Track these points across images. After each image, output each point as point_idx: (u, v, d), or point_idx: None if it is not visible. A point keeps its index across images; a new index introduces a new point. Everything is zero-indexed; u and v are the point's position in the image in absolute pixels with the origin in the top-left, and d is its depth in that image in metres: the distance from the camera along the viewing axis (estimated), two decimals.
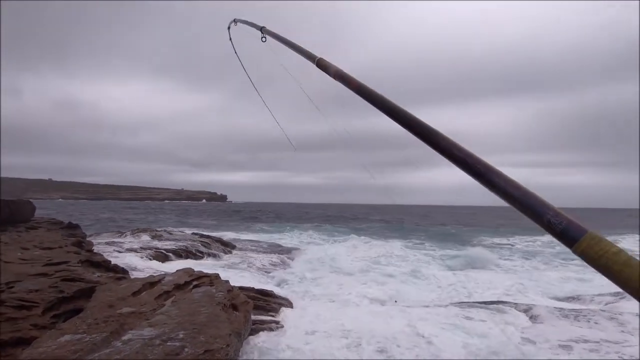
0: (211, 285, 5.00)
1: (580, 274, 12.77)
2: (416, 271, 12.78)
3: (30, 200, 11.37)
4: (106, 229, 23.11)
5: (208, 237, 17.70)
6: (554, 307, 7.51)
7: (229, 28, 3.15)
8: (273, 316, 6.08)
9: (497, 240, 24.39)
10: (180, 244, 14.62)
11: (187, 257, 13.18)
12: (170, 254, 13.00)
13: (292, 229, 27.14)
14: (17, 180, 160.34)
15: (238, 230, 25.13)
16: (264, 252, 16.40)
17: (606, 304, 8.33)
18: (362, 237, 22.65)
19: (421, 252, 18.19)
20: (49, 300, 3.68)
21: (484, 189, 0.73)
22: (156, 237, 16.48)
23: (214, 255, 14.99)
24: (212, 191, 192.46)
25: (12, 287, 3.89)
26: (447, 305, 7.92)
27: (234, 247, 17.19)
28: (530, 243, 22.16)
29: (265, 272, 12.31)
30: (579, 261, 0.61)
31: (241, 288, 6.44)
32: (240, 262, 13.74)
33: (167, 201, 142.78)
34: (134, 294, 4.07)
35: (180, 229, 23.04)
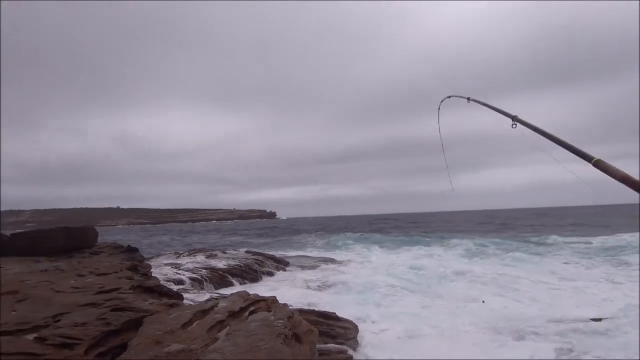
0: (269, 311, 4.39)
1: None
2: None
3: (95, 227, 11.82)
4: (165, 250, 23.92)
5: (261, 254, 17.47)
6: None
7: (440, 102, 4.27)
8: (340, 343, 5.32)
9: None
10: (235, 262, 14.45)
11: (241, 276, 12.90)
12: (226, 274, 12.80)
13: (342, 242, 26.30)
14: (88, 209, 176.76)
15: (289, 246, 24.82)
16: (318, 268, 15.73)
17: None
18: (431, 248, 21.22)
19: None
20: (93, 335, 3.26)
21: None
22: (211, 256, 16.52)
23: (268, 273, 14.62)
24: (262, 209, 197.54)
25: (58, 321, 3.56)
26: None
27: (287, 263, 16.75)
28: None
29: (322, 289, 11.61)
30: None
31: (301, 311, 5.79)
32: (295, 280, 13.19)
33: (221, 221, 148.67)
34: (184, 325, 3.56)
35: (234, 247, 23.21)
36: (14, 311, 3.72)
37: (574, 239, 23.20)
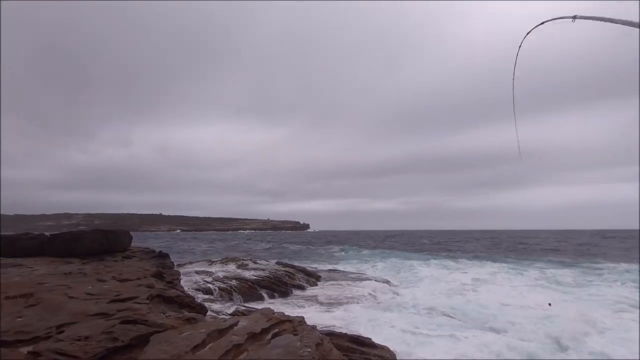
0: (295, 334, 3.80)
1: None
2: None
3: (138, 231, 11.96)
4: (199, 257, 24.12)
5: (292, 266, 16.97)
6: None
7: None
8: None
9: None
10: (265, 274, 14.05)
11: (271, 289, 12.43)
12: (255, 286, 12.39)
13: (376, 257, 25.20)
14: (134, 215, 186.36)
15: (321, 259, 24.14)
16: (350, 284, 14.92)
17: None
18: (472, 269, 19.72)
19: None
20: (94, 353, 2.84)
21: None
22: (242, 266, 16.26)
23: (299, 287, 14.05)
24: (295, 220, 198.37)
25: (61, 332, 3.19)
26: None
27: (318, 277, 16.10)
28: None
29: (354, 308, 10.82)
30: None
31: (331, 335, 5.15)
32: (326, 296, 12.50)
33: (255, 231, 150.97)
34: (196, 348, 3.07)
35: (266, 258, 22.94)
36: (20, 317, 3.42)
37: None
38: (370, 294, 13.02)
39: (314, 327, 4.16)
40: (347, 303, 11.40)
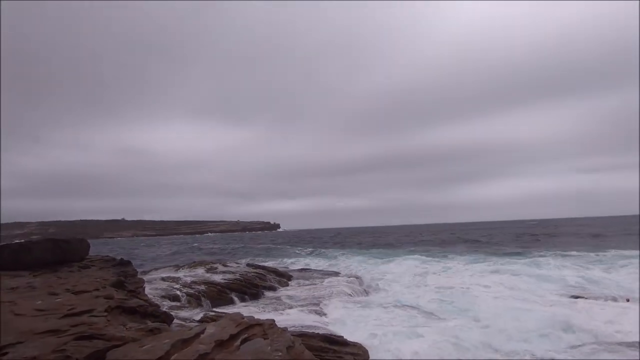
0: (265, 338, 3.69)
1: None
2: None
3: (100, 238, 11.24)
4: (166, 263, 23.23)
5: (263, 268, 16.72)
6: None
7: None
8: None
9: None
10: (235, 276, 13.72)
11: (241, 292, 12.15)
12: (225, 289, 12.07)
13: (346, 254, 25.43)
14: (94, 222, 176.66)
15: (292, 259, 24.00)
16: (322, 283, 14.92)
17: None
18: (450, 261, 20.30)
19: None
20: None
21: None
22: (211, 270, 15.80)
23: (270, 288, 13.85)
24: (266, 220, 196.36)
25: (5, 354, 2.89)
26: None
27: (290, 277, 15.97)
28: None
29: (327, 306, 10.81)
30: None
31: (303, 335, 5.08)
32: (297, 296, 12.41)
33: (225, 233, 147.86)
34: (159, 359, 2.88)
35: (236, 260, 22.47)
36: None
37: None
38: (341, 291, 13.07)
39: (284, 330, 4.07)
40: (319, 302, 11.37)
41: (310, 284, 15.07)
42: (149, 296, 9.14)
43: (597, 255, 20.30)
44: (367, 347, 6.62)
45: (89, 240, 10.53)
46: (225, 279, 13.12)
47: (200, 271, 15.64)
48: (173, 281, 12.81)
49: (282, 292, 13.74)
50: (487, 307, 10.30)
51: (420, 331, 8.21)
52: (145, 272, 15.64)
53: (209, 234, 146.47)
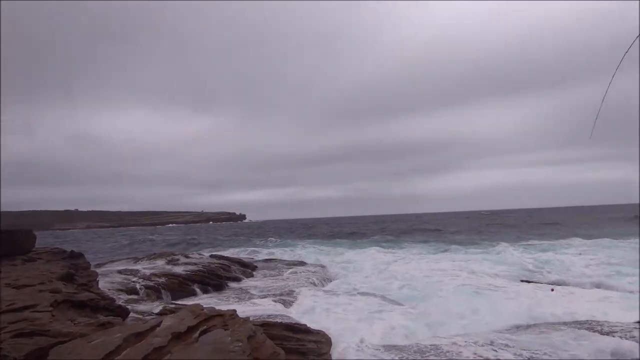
0: (225, 329, 3.60)
1: None
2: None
3: (50, 230, 10.42)
4: (123, 255, 22.22)
5: (227, 258, 16.41)
6: None
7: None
8: None
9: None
10: (197, 268, 13.35)
11: (204, 283, 11.87)
12: (187, 281, 11.72)
13: (313, 244, 25.61)
14: (44, 212, 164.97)
15: (258, 250, 23.80)
16: (288, 272, 14.93)
17: None
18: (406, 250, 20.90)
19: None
20: None
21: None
22: (172, 261, 15.28)
23: (235, 279, 13.64)
24: (231, 211, 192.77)
25: None
26: None
27: (254, 267, 15.81)
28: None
29: (292, 296, 10.82)
30: None
31: (266, 325, 5.03)
32: (262, 286, 12.33)
33: (188, 224, 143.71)
34: (109, 355, 2.72)
35: (199, 251, 21.90)
36: None
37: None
38: (307, 280, 13.14)
39: (246, 320, 4.00)
40: (284, 291, 11.36)
41: (276, 274, 15.02)
42: (104, 290, 8.68)
43: (552, 242, 21.85)
44: (332, 334, 6.71)
45: (38, 232, 9.79)
46: (187, 271, 12.74)
47: (161, 263, 15.08)
48: (131, 274, 12.25)
49: (247, 282, 13.59)
50: (445, 291, 10.78)
51: (383, 316, 8.44)
52: (99, 265, 14.84)
53: (171, 225, 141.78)
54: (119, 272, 12.83)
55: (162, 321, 3.60)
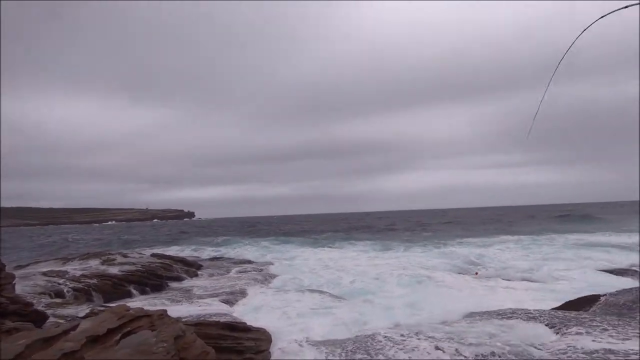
0: (152, 330, 3.40)
1: None
2: None
3: None
4: (51, 255, 20.28)
5: (170, 257, 15.64)
6: None
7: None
8: (249, 359, 4.52)
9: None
10: (135, 268, 12.55)
11: (142, 284, 11.18)
12: (122, 282, 10.96)
13: (261, 242, 25.29)
14: None
15: (205, 248, 22.99)
16: (234, 271, 14.59)
17: None
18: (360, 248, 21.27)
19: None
20: None
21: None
22: (107, 261, 14.22)
23: (177, 279, 13.02)
24: (179, 208, 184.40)
25: None
26: None
27: (199, 266, 15.24)
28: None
29: (236, 295, 10.57)
30: None
31: (200, 325, 4.85)
32: (206, 286, 11.91)
33: (131, 222, 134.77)
34: None
35: (140, 250, 20.63)
36: None
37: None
38: (254, 278, 12.93)
39: (177, 320, 3.81)
40: (229, 290, 11.07)
41: (222, 273, 14.60)
42: (22, 294, 7.83)
43: (488, 239, 23.55)
44: (274, 331, 6.64)
45: None
46: (123, 271, 11.92)
47: (94, 263, 13.96)
48: (57, 275, 11.19)
49: (190, 282, 13.06)
50: (390, 285, 11.19)
51: (328, 312, 8.53)
52: (21, 267, 13.40)
53: (111, 222, 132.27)
54: (44, 274, 11.68)
55: (79, 324, 3.31)
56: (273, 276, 13.81)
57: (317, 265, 15.73)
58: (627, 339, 4.98)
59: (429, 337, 5.89)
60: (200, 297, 10.45)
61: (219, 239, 28.70)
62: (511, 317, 6.76)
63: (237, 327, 5.15)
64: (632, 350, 4.54)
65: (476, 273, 11.14)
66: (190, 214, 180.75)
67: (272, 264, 15.99)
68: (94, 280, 10.48)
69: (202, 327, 4.75)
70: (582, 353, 4.79)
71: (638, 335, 5.05)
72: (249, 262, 16.75)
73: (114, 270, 12.12)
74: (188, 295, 10.58)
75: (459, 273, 13.47)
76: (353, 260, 16.57)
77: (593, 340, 5.13)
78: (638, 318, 5.52)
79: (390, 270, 14.05)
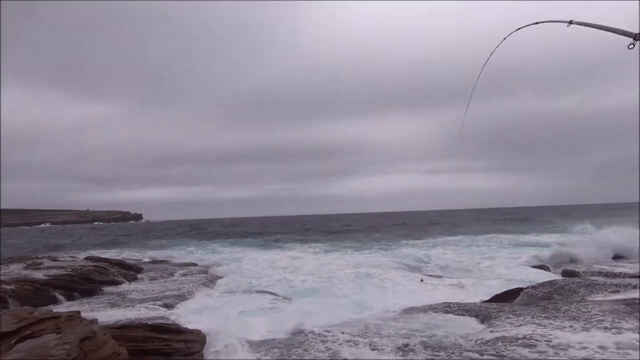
0: (58, 332, 3.08)
1: None
2: None
3: None
4: None
5: (106, 260, 14.53)
6: None
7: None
8: None
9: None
10: (65, 272, 11.49)
11: (70, 289, 10.25)
12: (46, 287, 9.97)
13: (210, 245, 24.45)
14: None
15: (147, 250, 21.74)
16: (177, 274, 13.91)
17: None
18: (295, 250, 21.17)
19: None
20: None
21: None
22: (32, 265, 12.88)
23: (113, 283, 12.12)
24: (125, 210, 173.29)
25: None
26: None
27: (139, 269, 14.33)
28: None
29: (180, 298, 10.06)
30: None
31: (124, 327, 4.52)
32: (145, 289, 11.24)
33: (67, 224, 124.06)
34: None
35: (73, 254, 19.01)
36: None
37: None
38: (198, 281, 12.43)
39: (89, 322, 3.50)
40: (170, 294, 10.53)
41: (165, 276, 13.86)
42: None
43: (439, 238, 24.63)
44: (211, 333, 6.39)
45: None
46: (49, 275, 10.86)
47: (16, 268, 12.58)
48: None
49: (128, 286, 12.23)
50: (338, 286, 11.29)
51: (271, 312, 8.41)
52: None
53: (45, 225, 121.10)
54: None
55: None
56: (219, 278, 13.37)
57: (266, 266, 15.50)
58: (542, 326, 5.42)
59: (368, 333, 5.99)
60: (137, 301, 9.81)
61: (164, 241, 27.30)
62: (445, 311, 7.09)
63: (168, 329, 4.87)
64: (549, 334, 4.95)
65: (421, 280, 11.69)
66: (138, 216, 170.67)
67: (220, 265, 15.50)
68: (12, 286, 9.42)
69: (126, 330, 4.44)
70: (504, 340, 5.13)
71: (551, 321, 5.53)
72: (195, 264, 16.10)
73: (38, 274, 11.01)
74: (123, 300, 9.89)
75: (405, 271, 13.95)
76: (303, 261, 16.54)
77: (514, 328, 5.54)
78: (551, 307, 6.04)
79: (339, 269, 14.20)
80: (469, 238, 24.06)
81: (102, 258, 15.00)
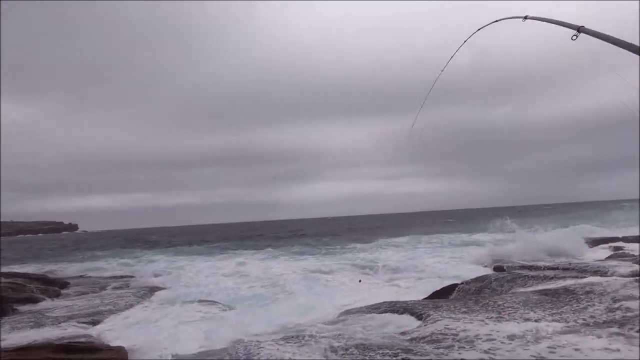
0: None
1: None
2: None
3: None
4: None
5: (23, 276, 12.95)
6: None
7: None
8: None
9: None
10: None
11: None
12: None
13: (149, 255, 22.95)
14: None
15: (79, 263, 19.80)
16: (111, 287, 12.79)
17: None
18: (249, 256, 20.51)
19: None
20: None
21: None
22: None
23: (29, 301, 10.77)
24: (58, 220, 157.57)
25: None
26: None
27: (64, 284, 12.95)
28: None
29: (108, 314, 9.19)
30: None
31: (24, 349, 3.96)
32: (69, 306, 10.18)
33: None
34: None
35: None
36: None
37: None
38: (133, 294, 11.51)
39: None
40: (97, 310, 9.61)
41: (94, 290, 12.67)
42: None
43: (387, 239, 25.19)
44: (143, 348, 5.88)
45: None
46: None
47: None
48: None
49: (50, 303, 10.98)
50: (283, 291, 11.06)
51: (210, 322, 7.98)
52: None
53: None
54: None
55: None
56: (158, 289, 12.50)
57: (211, 274, 14.83)
58: (474, 319, 5.66)
59: (305, 337, 5.85)
60: (58, 319, 8.81)
61: (99, 252, 25.12)
62: (385, 309, 7.18)
63: (78, 348, 4.34)
64: (460, 328, 5.16)
65: (360, 280, 12.10)
66: (73, 227, 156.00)
67: (159, 276, 14.53)
68: None
69: (25, 352, 3.88)
70: (440, 334, 5.26)
71: (481, 313, 5.80)
72: (131, 276, 14.93)
73: None
74: (41, 319, 8.81)
75: (352, 273, 14.07)
76: (250, 267, 16.08)
77: (450, 320, 5.72)
78: (482, 302, 6.34)
79: (286, 274, 13.98)
80: (413, 239, 25.03)
81: (19, 273, 13.39)
